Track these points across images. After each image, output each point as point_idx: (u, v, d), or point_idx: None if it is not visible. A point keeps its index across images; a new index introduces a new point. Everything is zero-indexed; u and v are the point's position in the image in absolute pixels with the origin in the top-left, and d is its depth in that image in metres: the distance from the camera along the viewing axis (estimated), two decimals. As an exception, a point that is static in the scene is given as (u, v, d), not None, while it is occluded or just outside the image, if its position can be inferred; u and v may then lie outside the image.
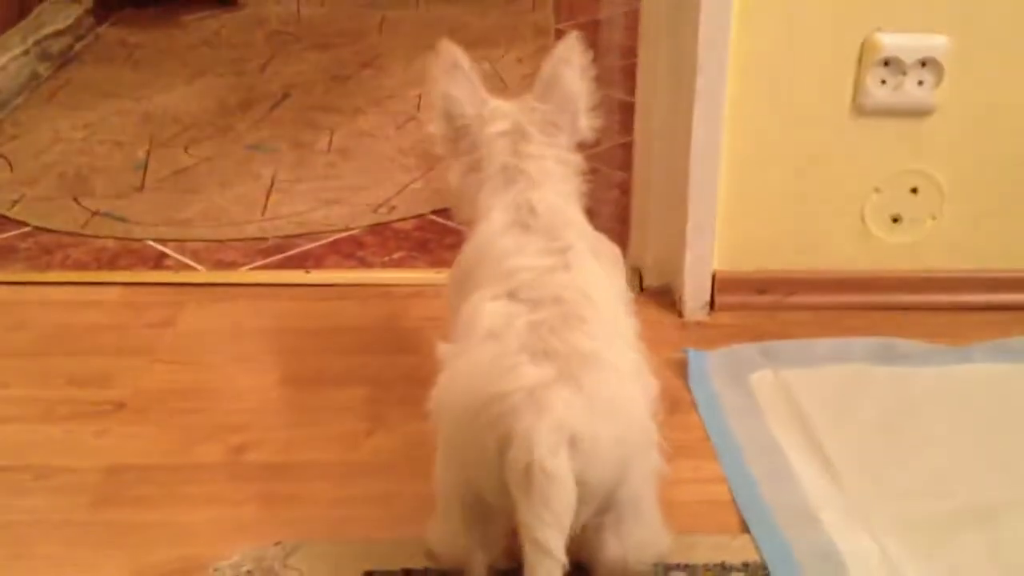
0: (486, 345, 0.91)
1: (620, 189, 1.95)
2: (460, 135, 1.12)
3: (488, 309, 0.94)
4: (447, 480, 0.95)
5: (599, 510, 0.91)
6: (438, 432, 0.94)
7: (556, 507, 0.83)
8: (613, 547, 0.94)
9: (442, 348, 0.95)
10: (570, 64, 1.11)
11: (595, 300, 0.94)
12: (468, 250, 1.07)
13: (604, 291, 0.98)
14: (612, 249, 1.08)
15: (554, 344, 0.88)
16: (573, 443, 0.84)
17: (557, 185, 1.08)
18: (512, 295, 0.94)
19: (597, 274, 0.99)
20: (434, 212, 1.86)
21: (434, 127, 1.13)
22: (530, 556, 0.84)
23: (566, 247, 0.99)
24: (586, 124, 1.13)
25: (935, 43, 1.39)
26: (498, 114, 1.10)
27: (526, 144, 1.09)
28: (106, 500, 1.16)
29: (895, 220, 1.48)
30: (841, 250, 1.49)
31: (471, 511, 0.93)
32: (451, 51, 1.12)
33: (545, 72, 1.11)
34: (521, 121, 1.10)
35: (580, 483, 0.84)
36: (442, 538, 0.99)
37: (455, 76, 1.11)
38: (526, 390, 0.85)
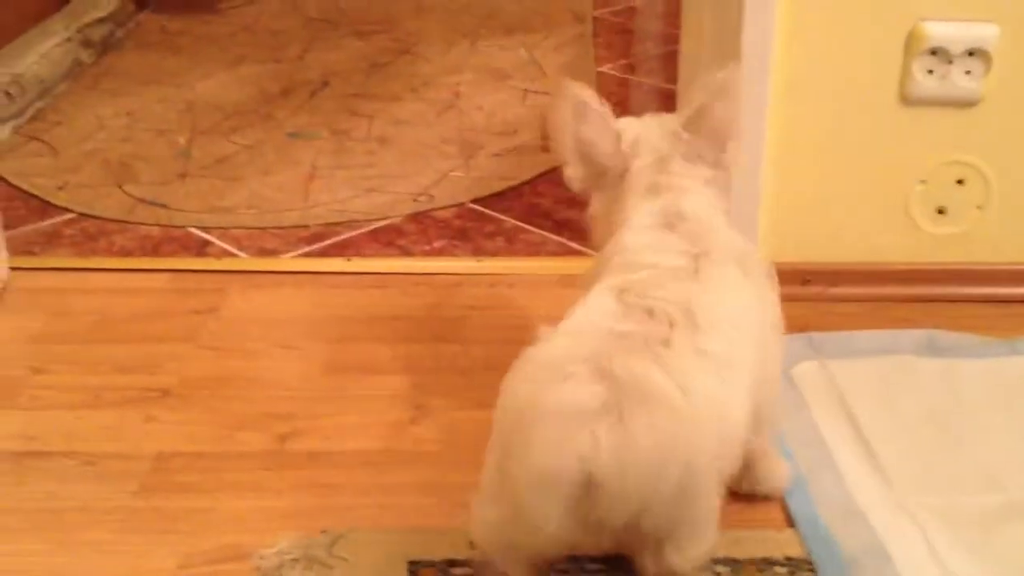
0: (561, 341, 0.91)
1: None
2: (600, 172, 1.09)
3: (590, 302, 0.95)
4: (491, 463, 0.92)
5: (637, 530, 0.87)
6: (495, 432, 0.93)
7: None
8: (650, 566, 0.91)
9: (543, 330, 0.94)
10: (726, 97, 1.06)
11: (712, 320, 0.91)
12: (610, 244, 1.05)
13: (732, 309, 0.94)
14: (763, 264, 1.05)
15: (619, 367, 0.85)
16: (589, 481, 0.82)
17: (705, 196, 1.06)
18: (621, 293, 0.94)
19: (731, 288, 0.96)
20: (474, 201, 1.86)
21: (571, 171, 1.10)
22: None
23: (703, 252, 0.97)
24: (730, 158, 1.09)
25: (983, 32, 1.38)
26: (643, 148, 1.07)
27: (672, 165, 1.07)
28: (154, 487, 1.17)
29: (940, 211, 1.47)
30: (886, 241, 1.48)
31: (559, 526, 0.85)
32: (577, 91, 1.06)
33: (697, 99, 1.07)
34: (665, 152, 1.07)
35: (593, 519, 0.84)
36: (485, 526, 0.94)
37: (586, 116, 1.06)
38: (564, 409, 0.84)
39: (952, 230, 1.48)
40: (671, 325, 0.90)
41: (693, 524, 0.89)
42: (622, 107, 2.30)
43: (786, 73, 1.40)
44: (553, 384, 0.86)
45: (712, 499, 0.89)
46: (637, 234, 1.02)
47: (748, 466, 1.04)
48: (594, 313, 0.93)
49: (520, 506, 0.86)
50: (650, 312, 0.91)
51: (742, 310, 0.96)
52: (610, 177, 1.08)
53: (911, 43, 1.38)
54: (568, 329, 0.92)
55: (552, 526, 0.85)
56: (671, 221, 1.02)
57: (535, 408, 0.85)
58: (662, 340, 0.88)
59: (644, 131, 1.08)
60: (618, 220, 1.06)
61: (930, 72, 1.39)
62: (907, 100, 1.41)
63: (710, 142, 1.07)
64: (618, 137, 1.07)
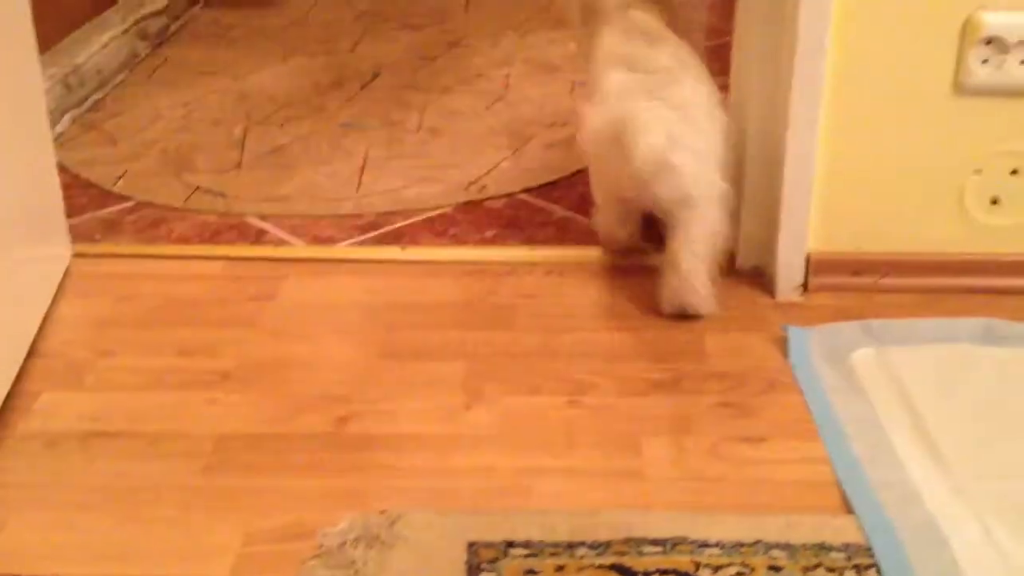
0: (613, 98, 1.46)
1: (710, 169, 1.95)
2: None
3: (612, 78, 1.48)
4: (601, 186, 1.58)
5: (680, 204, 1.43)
6: (589, 158, 1.57)
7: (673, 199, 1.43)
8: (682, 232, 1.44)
9: (584, 106, 1.51)
10: None
11: (686, 70, 1.48)
12: (598, 55, 1.59)
13: (691, 67, 1.51)
14: (694, 55, 1.55)
15: (660, 94, 1.42)
16: (672, 139, 1.38)
17: (654, 23, 1.59)
18: (630, 68, 1.48)
19: (686, 57, 1.52)
20: (525, 191, 1.88)
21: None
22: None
23: (664, 40, 1.54)
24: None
25: (1041, 21, 1.37)
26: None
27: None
28: (217, 466, 1.20)
29: (994, 202, 1.47)
30: (939, 232, 1.48)
31: (618, 204, 1.54)
32: None
33: None
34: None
35: (674, 169, 1.40)
36: (604, 224, 1.62)
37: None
38: (642, 111, 1.40)
39: (1006, 221, 1.47)
40: (673, 71, 1.48)
41: (707, 206, 1.43)
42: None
43: (840, 60, 1.40)
44: (626, 108, 1.43)
45: (720, 200, 1.44)
46: (617, 39, 1.57)
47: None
48: (620, 82, 1.48)
49: (612, 183, 1.53)
50: (658, 69, 1.48)
51: (697, 69, 1.53)
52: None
53: (967, 32, 1.38)
54: (610, 94, 1.47)
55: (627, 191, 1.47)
56: (633, 29, 1.57)
57: (627, 122, 1.41)
58: (675, 80, 1.47)
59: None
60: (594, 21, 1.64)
61: (985, 62, 1.39)
62: (962, 89, 1.41)
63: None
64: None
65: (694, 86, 1.47)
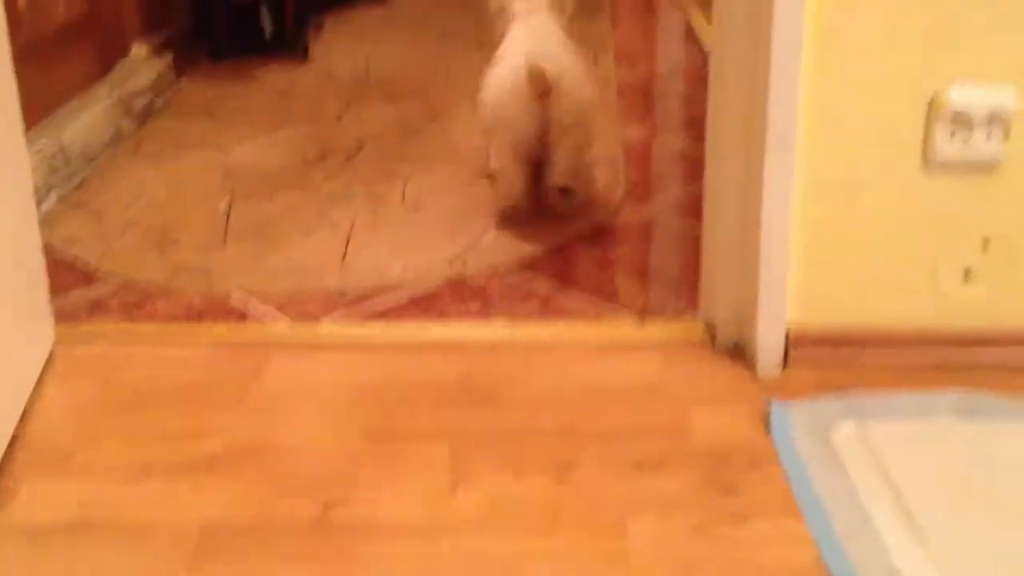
0: (504, 64, 1.98)
1: (688, 240, 1.98)
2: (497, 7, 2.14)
3: (506, 60, 1.98)
4: (499, 143, 2.00)
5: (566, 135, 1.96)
6: (488, 120, 2.01)
7: (562, 122, 1.94)
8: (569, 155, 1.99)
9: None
10: None
11: (568, 53, 2.00)
12: (503, 45, 2.05)
13: (569, 52, 2.01)
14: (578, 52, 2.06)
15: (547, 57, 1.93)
16: (559, 80, 1.89)
17: (548, 19, 2.09)
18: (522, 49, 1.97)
19: (565, 43, 2.03)
20: (507, 265, 1.90)
21: (490, 3, 2.15)
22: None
23: (556, 36, 2.04)
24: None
25: (1003, 97, 1.41)
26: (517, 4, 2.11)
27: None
28: (203, 556, 1.20)
29: (967, 275, 1.49)
30: (914, 304, 1.50)
31: (517, 155, 1.96)
32: None
33: None
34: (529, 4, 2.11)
35: (566, 117, 1.93)
36: (504, 178, 2.02)
37: None
38: (529, 67, 1.88)
39: (979, 293, 1.50)
40: (556, 54, 1.97)
41: (587, 135, 2.01)
42: (646, 170, 2.35)
43: (811, 135, 1.43)
44: (517, 67, 1.92)
45: (594, 127, 2.03)
46: (516, 33, 2.06)
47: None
48: (511, 58, 1.98)
49: (510, 123, 1.96)
50: (543, 52, 1.95)
51: (574, 55, 2.03)
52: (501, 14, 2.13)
53: (933, 108, 1.42)
54: (503, 63, 1.99)
55: (524, 124, 1.94)
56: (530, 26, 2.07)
57: (506, 102, 1.94)
58: (557, 56, 1.96)
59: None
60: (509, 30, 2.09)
61: (952, 136, 1.42)
62: (931, 163, 1.44)
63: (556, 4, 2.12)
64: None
65: (577, 59, 2.02)
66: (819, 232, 1.48)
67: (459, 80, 2.94)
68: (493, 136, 2.03)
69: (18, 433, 1.41)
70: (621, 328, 1.69)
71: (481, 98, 2.00)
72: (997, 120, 1.41)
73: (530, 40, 2.01)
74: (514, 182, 2.00)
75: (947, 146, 1.42)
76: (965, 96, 1.41)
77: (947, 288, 1.50)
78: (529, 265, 1.90)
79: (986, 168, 1.44)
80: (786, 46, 1.40)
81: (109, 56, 2.69)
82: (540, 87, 1.88)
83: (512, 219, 2.02)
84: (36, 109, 2.21)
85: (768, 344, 1.51)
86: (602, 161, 2.27)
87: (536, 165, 2.00)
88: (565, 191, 2.03)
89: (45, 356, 1.59)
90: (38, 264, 1.62)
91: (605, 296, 1.78)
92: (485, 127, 2.06)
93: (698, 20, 3.30)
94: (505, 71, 1.95)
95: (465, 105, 2.71)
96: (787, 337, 1.51)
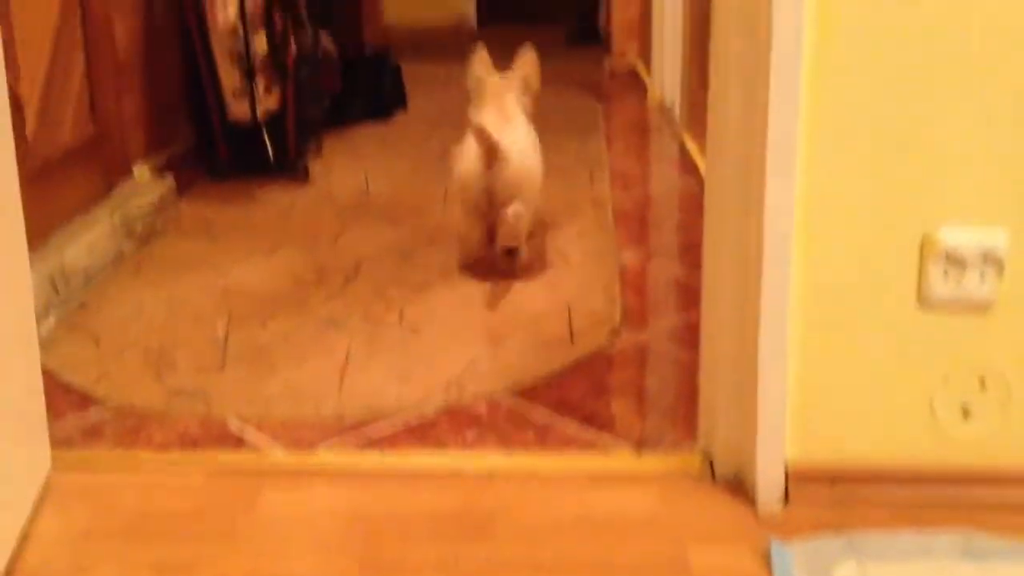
0: (466, 147, 2.36)
1: (684, 369, 1.99)
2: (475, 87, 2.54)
3: (468, 140, 2.35)
4: (463, 205, 2.41)
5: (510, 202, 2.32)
6: (455, 191, 2.44)
7: (506, 187, 2.32)
8: (508, 220, 2.33)
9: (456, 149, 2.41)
10: (532, 69, 2.60)
11: (526, 131, 2.45)
12: (474, 120, 2.36)
13: (530, 132, 2.47)
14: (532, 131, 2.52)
15: (505, 136, 2.33)
16: (507, 151, 2.28)
17: (512, 100, 2.51)
18: (478, 133, 2.30)
19: (529, 128, 2.48)
20: (503, 393, 1.90)
21: (469, 83, 2.54)
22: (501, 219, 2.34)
23: (517, 116, 2.47)
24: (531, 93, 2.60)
25: (995, 238, 1.44)
26: (489, 84, 2.53)
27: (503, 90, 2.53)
28: None
29: (965, 413, 1.50)
30: (912, 442, 1.51)
31: (473, 215, 2.37)
32: (480, 56, 2.57)
33: (519, 68, 2.59)
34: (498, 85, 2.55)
35: (509, 183, 2.30)
36: (465, 234, 2.43)
37: (480, 63, 2.55)
38: (477, 132, 2.29)
39: (977, 432, 1.51)
40: (507, 131, 2.36)
41: (528, 200, 2.35)
42: (641, 294, 2.37)
43: (806, 275, 1.45)
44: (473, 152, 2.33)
45: (536, 194, 2.41)
46: (481, 114, 2.42)
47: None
48: (471, 141, 2.35)
49: (466, 185, 2.36)
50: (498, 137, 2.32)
51: (529, 136, 2.46)
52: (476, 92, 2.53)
53: (926, 247, 1.44)
54: (466, 146, 2.37)
55: (477, 187, 2.32)
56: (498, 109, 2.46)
57: (466, 168, 2.34)
58: (508, 133, 2.35)
59: (490, 77, 2.54)
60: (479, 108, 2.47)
61: (946, 275, 1.45)
62: (925, 302, 1.46)
63: (523, 85, 2.55)
64: (486, 78, 2.53)
65: (527, 134, 2.47)
66: (817, 367, 1.49)
67: (457, 203, 2.98)
68: (456, 198, 2.47)
69: (13, 564, 1.40)
70: (618, 459, 1.69)
71: (449, 166, 2.47)
72: (991, 260, 1.44)
73: (491, 117, 2.37)
74: (470, 235, 2.43)
75: (941, 285, 1.45)
76: (957, 237, 1.44)
77: (945, 425, 1.50)
78: (526, 392, 1.90)
79: (981, 307, 1.46)
80: (780, 186, 1.43)
81: (112, 177, 2.73)
82: (488, 155, 2.28)
83: (472, 269, 2.47)
84: (38, 230, 2.23)
85: (768, 480, 1.50)
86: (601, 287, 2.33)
87: (490, 226, 2.38)
88: (510, 251, 2.43)
89: (41, 482, 1.58)
90: (37, 389, 1.62)
91: (601, 425, 1.79)
92: (453, 191, 2.54)
93: (692, 145, 3.37)
94: (467, 143, 2.36)
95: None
96: (786, 473, 1.51)
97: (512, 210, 2.30)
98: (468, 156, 2.34)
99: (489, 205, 2.33)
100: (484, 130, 2.26)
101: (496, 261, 2.43)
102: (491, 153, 2.28)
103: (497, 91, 2.49)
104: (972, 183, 1.43)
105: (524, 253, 2.44)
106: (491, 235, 2.38)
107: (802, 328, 1.48)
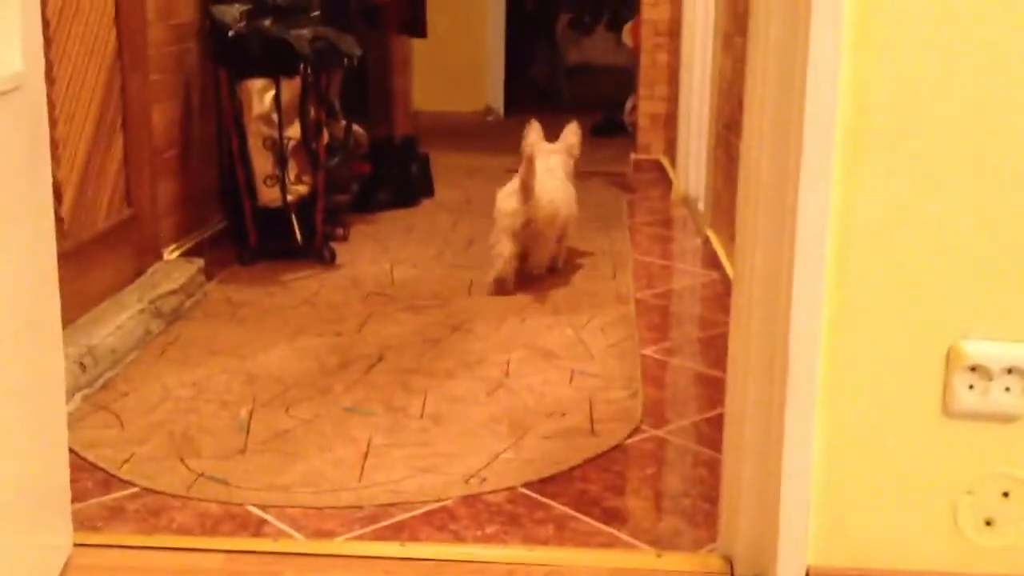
0: (509, 184, 3.05)
1: (704, 467, 1.99)
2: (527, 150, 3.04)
3: (513, 179, 3.03)
4: (500, 231, 2.98)
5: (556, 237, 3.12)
6: (497, 216, 3.01)
7: (535, 219, 3.01)
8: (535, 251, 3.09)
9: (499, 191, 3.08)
10: (574, 139, 3.36)
11: (564, 182, 3.21)
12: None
13: (568, 185, 3.22)
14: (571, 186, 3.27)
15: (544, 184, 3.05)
16: (539, 195, 2.98)
17: (557, 160, 3.23)
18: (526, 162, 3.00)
19: (561, 176, 3.19)
20: (524, 485, 1.90)
21: (523, 147, 3.07)
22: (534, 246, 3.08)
23: (557, 172, 3.18)
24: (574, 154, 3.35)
25: (1021, 352, 1.44)
26: (539, 147, 3.15)
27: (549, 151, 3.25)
28: None
29: (988, 523, 1.49)
30: (935, 551, 1.50)
31: (506, 236, 2.96)
32: (534, 125, 3.28)
33: (566, 138, 3.35)
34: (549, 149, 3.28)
35: (537, 217, 2.99)
36: (498, 255, 2.96)
37: (533, 131, 3.24)
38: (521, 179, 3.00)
39: (1000, 542, 1.50)
40: (546, 178, 3.06)
41: (550, 237, 3.09)
42: (661, 390, 2.38)
43: (831, 379, 1.46)
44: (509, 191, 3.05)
45: (569, 229, 3.20)
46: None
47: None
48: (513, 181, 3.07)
49: (505, 215, 3.01)
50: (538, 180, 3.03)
51: (565, 181, 3.22)
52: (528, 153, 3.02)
53: (951, 359, 1.45)
54: (511, 183, 3.06)
55: (513, 218, 2.98)
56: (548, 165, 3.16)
57: (506, 197, 3.03)
58: (547, 178, 3.09)
59: (541, 144, 3.23)
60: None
61: (971, 387, 1.45)
62: (950, 413, 1.47)
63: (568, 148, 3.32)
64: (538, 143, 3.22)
65: (564, 187, 3.16)
66: (841, 473, 1.49)
67: (482, 290, 3.02)
68: (495, 224, 3.01)
69: (28, 647, 1.40)
70: (639, 557, 1.68)
71: (496, 198, 3.08)
72: (1016, 372, 1.44)
73: (538, 170, 3.01)
74: (502, 254, 2.97)
75: (966, 397, 1.45)
76: (982, 349, 1.44)
77: (969, 535, 1.49)
78: (546, 485, 1.90)
79: (1006, 419, 1.46)
80: (807, 291, 1.45)
81: (143, 259, 2.79)
82: (524, 192, 2.95)
83: (500, 289, 2.98)
84: (69, 310, 2.26)
85: (789, 584, 1.50)
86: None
87: (522, 254, 3.03)
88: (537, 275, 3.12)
89: (62, 564, 1.58)
90: (63, 470, 1.64)
91: (621, 522, 1.78)
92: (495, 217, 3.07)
93: (716, 240, 3.40)
94: (512, 181, 3.03)
95: (487, 316, 2.79)
96: (807, 577, 1.50)
97: (543, 243, 3.06)
98: (508, 190, 3.02)
99: (521, 231, 2.97)
100: (532, 161, 2.93)
101: (522, 275, 3.07)
102: (526, 191, 2.94)
103: (545, 153, 3.15)
104: (998, 296, 1.44)
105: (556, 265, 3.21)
106: (524, 257, 3.04)
107: (827, 433, 1.48)
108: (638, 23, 4.99)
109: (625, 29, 5.73)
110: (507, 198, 2.98)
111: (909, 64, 1.39)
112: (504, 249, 2.95)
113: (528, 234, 2.98)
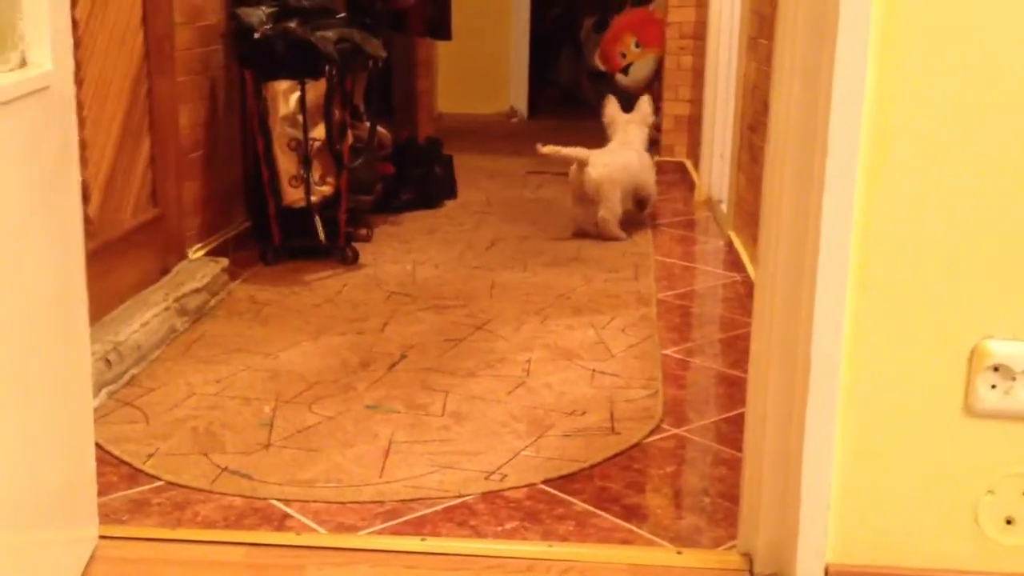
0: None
1: (724, 465, 1.99)
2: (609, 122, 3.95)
3: (579, 152, 3.71)
4: (573, 195, 3.72)
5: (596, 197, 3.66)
6: (605, 183, 3.63)
7: (589, 187, 3.66)
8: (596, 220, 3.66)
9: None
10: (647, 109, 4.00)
11: (619, 153, 3.79)
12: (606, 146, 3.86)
13: (633, 152, 3.82)
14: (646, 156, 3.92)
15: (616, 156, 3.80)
16: (602, 165, 3.65)
17: (635, 130, 3.90)
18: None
19: (644, 153, 3.89)
20: (544, 482, 1.91)
21: (604, 119, 3.97)
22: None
23: (633, 144, 3.86)
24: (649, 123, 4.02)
25: (1044, 350, 1.44)
26: (619, 118, 3.93)
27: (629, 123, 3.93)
28: None
29: (1009, 522, 1.49)
30: (955, 549, 1.50)
31: (575, 198, 3.71)
32: (611, 100, 4.07)
33: (642, 107, 3.99)
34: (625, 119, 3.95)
35: (590, 185, 3.64)
36: (574, 212, 3.72)
37: (611, 105, 4.01)
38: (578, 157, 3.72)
39: (1021, 541, 1.49)
40: (630, 151, 3.84)
41: (607, 199, 3.64)
42: (682, 389, 2.38)
43: (853, 380, 1.46)
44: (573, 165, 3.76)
45: (643, 193, 3.86)
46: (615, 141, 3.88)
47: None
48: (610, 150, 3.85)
49: (573, 190, 3.74)
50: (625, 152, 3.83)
51: (644, 155, 3.91)
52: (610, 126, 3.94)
53: (974, 358, 1.45)
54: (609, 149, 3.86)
55: (576, 184, 3.69)
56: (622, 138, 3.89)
57: (572, 170, 3.71)
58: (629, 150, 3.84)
59: (619, 115, 3.94)
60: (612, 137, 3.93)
61: (993, 387, 1.45)
62: (972, 412, 1.47)
63: (643, 117, 3.96)
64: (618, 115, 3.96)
65: (632, 156, 3.76)
66: (861, 471, 1.49)
67: (503, 290, 3.03)
68: (571, 191, 3.74)
69: (53, 636, 1.42)
70: (658, 554, 1.69)
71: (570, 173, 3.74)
72: (1038, 372, 1.44)
73: (615, 143, 3.83)
74: (575, 212, 3.69)
75: (988, 396, 1.45)
76: (1007, 349, 1.44)
77: (990, 534, 1.49)
78: (566, 482, 1.91)
79: (1026, 417, 1.46)
80: (830, 294, 1.45)
81: (168, 258, 2.82)
82: (580, 165, 3.62)
83: (580, 235, 3.67)
84: (95, 307, 2.29)
85: (808, 581, 1.50)
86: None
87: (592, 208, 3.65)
88: (597, 226, 3.64)
89: (88, 557, 1.60)
90: (89, 465, 1.66)
91: (641, 519, 1.79)
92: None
93: (738, 241, 3.40)
94: (578, 154, 3.67)
95: (509, 316, 2.80)
96: (827, 575, 1.50)
97: (600, 215, 3.60)
98: (574, 164, 3.68)
99: (584, 194, 3.63)
100: (581, 157, 3.63)
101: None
102: (581, 165, 3.61)
103: (624, 124, 3.86)
104: (1022, 296, 1.44)
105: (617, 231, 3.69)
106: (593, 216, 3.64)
107: (847, 431, 1.48)
108: (610, 41, 5.22)
109: (596, 56, 5.77)
110: (573, 167, 3.65)
111: (935, 68, 1.39)
112: (575, 209, 3.70)
113: (584, 196, 3.62)
